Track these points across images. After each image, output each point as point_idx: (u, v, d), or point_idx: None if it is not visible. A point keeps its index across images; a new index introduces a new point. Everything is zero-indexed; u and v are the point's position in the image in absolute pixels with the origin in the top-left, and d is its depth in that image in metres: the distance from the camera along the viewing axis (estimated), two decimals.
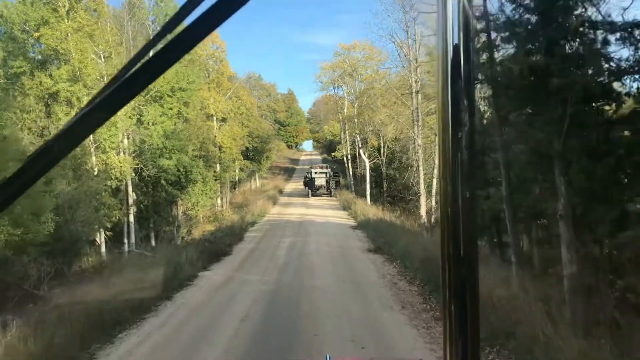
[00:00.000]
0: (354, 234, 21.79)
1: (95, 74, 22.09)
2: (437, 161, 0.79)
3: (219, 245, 18.54)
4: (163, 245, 25.58)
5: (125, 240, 23.55)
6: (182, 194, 26.86)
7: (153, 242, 26.63)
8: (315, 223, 26.27)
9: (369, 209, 29.97)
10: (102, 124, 0.63)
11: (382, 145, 40.80)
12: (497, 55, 9.81)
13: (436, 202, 24.43)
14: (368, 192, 37.26)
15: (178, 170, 25.07)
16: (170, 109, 25.50)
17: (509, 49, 9.98)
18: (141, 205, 25.79)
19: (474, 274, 0.71)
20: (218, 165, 39.79)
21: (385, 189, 41.36)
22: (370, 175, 39.99)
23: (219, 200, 40.37)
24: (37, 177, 0.61)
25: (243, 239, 21.42)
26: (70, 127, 0.61)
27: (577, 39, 7.54)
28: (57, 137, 0.60)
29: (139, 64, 0.60)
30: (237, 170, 52.57)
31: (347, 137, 48.21)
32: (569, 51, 7.73)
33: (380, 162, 40.78)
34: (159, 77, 0.62)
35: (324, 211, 32.88)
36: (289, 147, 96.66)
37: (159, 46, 0.59)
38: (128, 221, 23.96)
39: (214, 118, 38.99)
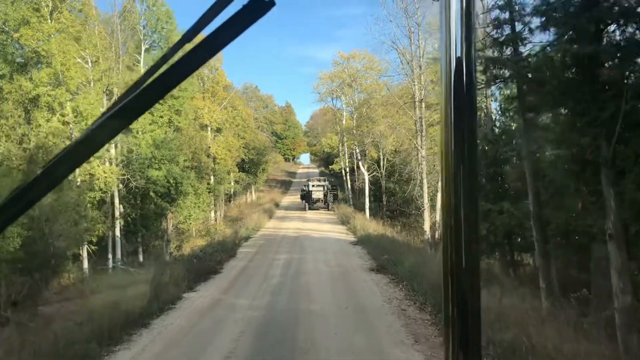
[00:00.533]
0: (354, 250, 20.38)
1: (79, 78, 20.79)
2: (439, 173, 0.74)
3: (208, 263, 17.14)
4: (151, 260, 24.18)
5: (110, 256, 22.07)
6: (172, 207, 25.44)
7: (141, 257, 25.17)
8: (313, 238, 24.86)
9: (368, 223, 28.59)
10: (117, 135, 0.64)
11: (381, 157, 39.56)
12: (524, 50, 8.58)
13: (440, 217, 23.14)
14: (367, 206, 35.91)
15: (168, 182, 23.70)
16: (161, 117, 24.19)
17: (535, 45, 8.74)
18: (128, 218, 24.36)
19: (476, 286, 0.69)
20: (212, 177, 38.44)
21: (384, 202, 40.05)
22: (370, 189, 38.65)
23: (212, 214, 38.94)
24: (50, 188, 0.63)
25: (235, 256, 20.00)
26: (84, 138, 0.62)
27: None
28: (69, 148, 0.62)
29: (155, 75, 0.60)
30: (232, 183, 51.28)
31: (346, 150, 46.98)
32: (620, 38, 6.43)
33: (380, 175, 39.52)
34: (173, 89, 0.65)
35: (322, 225, 31.49)
36: (286, 160, 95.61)
37: (176, 57, 0.61)
38: (113, 235, 22.50)
39: (209, 128, 37.70)
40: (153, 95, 0.61)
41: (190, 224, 34.39)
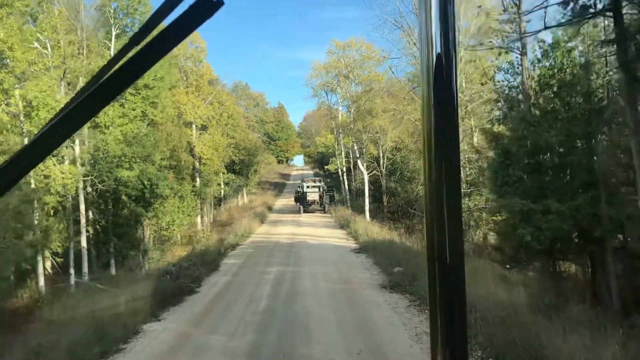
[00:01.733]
0: (357, 260, 17.36)
1: (36, 65, 17.73)
2: (422, 170, 0.77)
3: (182, 281, 14.10)
4: (125, 273, 21.09)
5: (72, 270, 18.91)
6: (148, 212, 22.33)
7: (113, 270, 22.03)
8: (309, 246, 21.81)
9: (370, 226, 25.52)
10: (82, 125, 0.67)
11: (381, 155, 36.56)
12: None
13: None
14: (367, 208, 32.88)
15: (141, 183, 20.59)
16: (133, 109, 21.10)
17: None
18: (97, 226, 21.23)
19: (460, 280, 0.70)
20: (198, 179, 35.35)
21: (385, 203, 37.06)
22: (369, 189, 35.60)
23: (199, 219, 35.81)
24: (14, 182, 0.61)
25: (218, 268, 16.96)
26: (48, 130, 0.60)
27: None
28: (35, 140, 0.60)
29: (120, 62, 0.60)
30: (221, 185, 48.27)
31: (342, 148, 43.96)
32: None
33: (380, 174, 36.51)
34: (140, 76, 0.62)
35: (318, 230, 28.43)
36: (280, 162, 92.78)
37: (143, 43, 0.59)
38: (74, 246, 19.32)
39: (193, 126, 34.62)
40: (118, 84, 0.59)
41: (174, 230, 31.36)
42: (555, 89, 11.96)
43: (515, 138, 12.53)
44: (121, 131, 20.14)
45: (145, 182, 20.64)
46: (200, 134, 34.85)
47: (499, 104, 14.84)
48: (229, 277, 15.19)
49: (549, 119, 11.72)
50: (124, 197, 20.79)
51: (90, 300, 13.91)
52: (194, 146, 33.51)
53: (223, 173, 40.09)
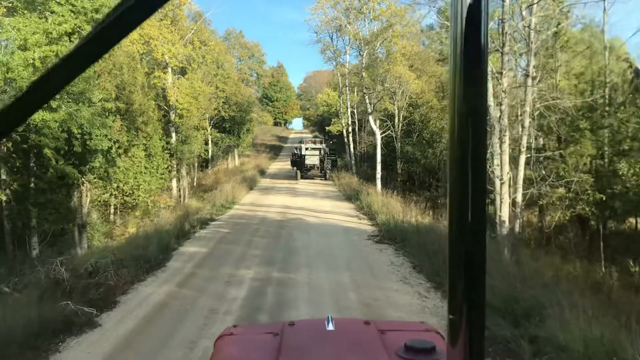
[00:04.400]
0: (383, 258, 11.16)
1: None
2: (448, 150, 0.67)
3: (93, 291, 7.97)
4: (53, 255, 14.95)
5: None
6: (85, 172, 16.01)
7: (36, 252, 15.82)
8: (307, 227, 15.60)
9: (386, 200, 19.15)
10: (84, 70, 0.59)
11: (396, 111, 30.06)
12: None
13: (522, 201, 13.80)
14: (379, 176, 26.58)
15: (67, 132, 14.18)
16: (59, 24, 14.54)
17: None
18: (8, 191, 14.95)
19: (481, 271, 0.65)
20: (174, 134, 28.93)
21: (399, 171, 30.75)
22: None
23: (174, 183, 29.52)
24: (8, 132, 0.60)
25: (165, 264, 10.82)
26: (46, 76, 0.56)
27: None
28: (31, 88, 0.57)
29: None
30: (209, 143, 42.01)
31: (348, 104, 37.34)
32: None
33: (394, 136, 30.09)
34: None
35: (319, 202, 22.22)
36: (277, 124, 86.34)
37: None
38: None
39: (169, 69, 27.99)
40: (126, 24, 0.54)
41: (139, 196, 25.14)
42: None
43: None
44: (39, 55, 13.66)
45: (75, 130, 14.24)
46: (178, 78, 28.24)
47: None
48: (170, 287, 8.99)
49: None
50: (47, 151, 14.41)
51: None
52: (167, 93, 26.99)
53: (205, 129, 33.56)
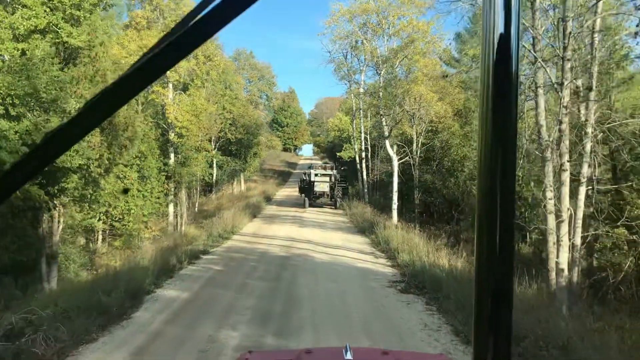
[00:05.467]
0: (412, 314, 8.56)
1: None
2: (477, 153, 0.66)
3: None
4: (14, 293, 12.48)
5: None
6: (57, 194, 13.62)
7: None
8: (315, 266, 13.04)
9: (411, 237, 16.43)
10: (108, 116, 0.57)
11: (415, 136, 27.61)
12: None
13: (582, 244, 11.15)
14: (395, 206, 24.04)
15: (29, 147, 11.87)
16: (28, 18, 12.36)
17: None
18: None
19: (509, 274, 0.65)
20: (172, 155, 26.69)
21: (417, 200, 28.13)
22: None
23: (171, 208, 27.12)
24: (27, 179, 0.56)
25: (129, 318, 8.32)
26: (75, 119, 0.55)
27: None
28: (56, 131, 0.55)
29: (146, 57, 0.55)
30: (214, 166, 39.88)
31: (362, 128, 35.01)
32: None
33: (412, 163, 27.59)
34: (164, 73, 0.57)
35: (329, 235, 19.66)
36: (287, 150, 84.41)
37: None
38: None
39: (170, 85, 25.88)
40: (143, 79, 0.53)
41: (129, 222, 22.83)
42: None
43: None
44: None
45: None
46: (179, 94, 26.11)
47: None
48: (120, 358, 6.46)
49: None
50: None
51: None
52: (166, 110, 24.83)
53: (207, 151, 31.30)
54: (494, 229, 0.63)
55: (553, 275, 10.31)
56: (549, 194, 10.49)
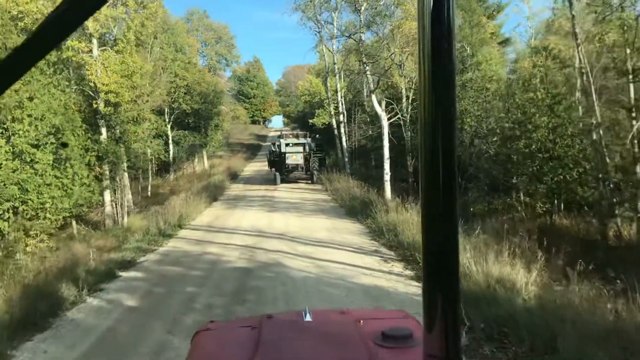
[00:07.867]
0: None
1: None
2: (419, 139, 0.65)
3: None
4: None
5: None
6: None
7: None
8: (293, 291, 7.83)
9: (416, 218, 11.37)
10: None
11: (404, 90, 22.39)
12: None
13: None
14: (388, 177, 18.93)
15: None
16: None
17: None
18: None
19: (455, 260, 0.65)
20: (104, 130, 21.00)
21: (411, 168, 23.05)
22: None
23: (107, 196, 21.51)
24: None
25: None
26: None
27: None
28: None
29: None
30: (169, 140, 34.46)
31: (338, 87, 29.71)
32: None
33: (403, 121, 22.49)
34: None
35: (310, 223, 14.50)
36: (255, 122, 78.99)
37: None
38: None
39: (94, 40, 20.01)
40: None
41: (45, 217, 17.35)
42: None
43: None
44: None
45: None
46: (103, 50, 20.31)
47: None
48: None
49: None
50: None
51: None
52: (87, 71, 19.15)
53: (151, 121, 25.61)
54: (438, 188, 0.62)
55: None
56: None
